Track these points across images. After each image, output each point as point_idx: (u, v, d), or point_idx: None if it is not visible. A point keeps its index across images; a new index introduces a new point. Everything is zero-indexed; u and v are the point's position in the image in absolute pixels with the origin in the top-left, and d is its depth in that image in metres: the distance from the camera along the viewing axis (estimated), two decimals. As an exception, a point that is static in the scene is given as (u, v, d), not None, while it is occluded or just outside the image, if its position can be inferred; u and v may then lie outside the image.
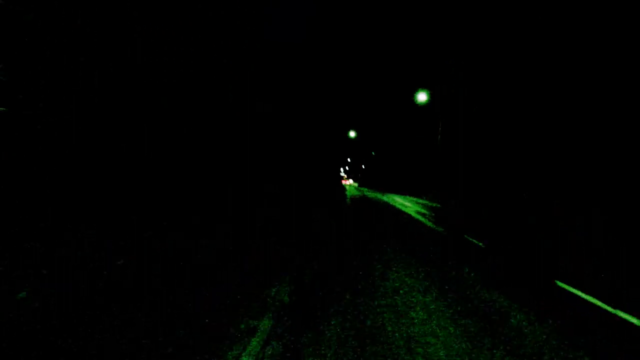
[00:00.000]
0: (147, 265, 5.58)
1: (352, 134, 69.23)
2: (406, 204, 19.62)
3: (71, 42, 7.08)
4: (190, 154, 11.68)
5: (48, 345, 2.88)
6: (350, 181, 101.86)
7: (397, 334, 3.18)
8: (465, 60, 24.70)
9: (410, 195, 31.89)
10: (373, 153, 65.38)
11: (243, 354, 2.97)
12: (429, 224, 11.19)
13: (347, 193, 29.68)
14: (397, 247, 6.97)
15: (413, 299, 3.80)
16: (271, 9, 17.89)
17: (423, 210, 15.72)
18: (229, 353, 2.98)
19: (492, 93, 21.35)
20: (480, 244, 7.73)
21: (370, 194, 32.81)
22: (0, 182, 5.93)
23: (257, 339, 3.20)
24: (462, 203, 21.82)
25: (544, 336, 3.24)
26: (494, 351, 2.97)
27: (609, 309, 4.04)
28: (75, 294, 4.11)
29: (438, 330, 3.23)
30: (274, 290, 4.02)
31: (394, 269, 5.07)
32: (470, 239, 8.37)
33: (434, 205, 20.23)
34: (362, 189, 48.94)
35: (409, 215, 13.49)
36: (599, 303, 4.13)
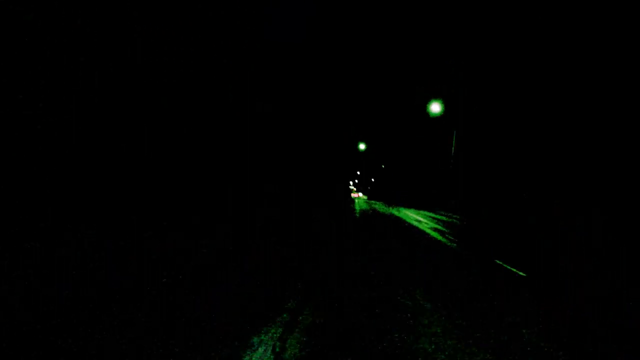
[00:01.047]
0: (147, 265, 5.58)
1: (361, 146, 68.23)
2: (419, 219, 17.55)
3: (71, 42, 7.08)
4: (190, 154, 11.69)
5: (48, 345, 2.88)
6: (360, 194, 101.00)
7: None
8: (466, 61, 24.70)
9: (422, 209, 30.20)
10: (383, 166, 64.81)
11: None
12: (450, 243, 9.71)
13: (356, 207, 28.27)
14: (419, 280, 5.48)
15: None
16: (271, 9, 17.90)
17: (439, 227, 13.96)
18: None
19: (493, 93, 21.35)
20: (521, 272, 6.35)
21: (381, 207, 31.05)
22: (0, 182, 5.92)
23: None
24: (483, 217, 20.55)
25: None
26: None
27: None
28: (75, 294, 4.11)
29: None
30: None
31: (424, 325, 3.64)
32: (504, 265, 6.97)
33: (449, 220, 18.07)
34: (371, 202, 47.68)
35: (425, 233, 11.68)
36: None
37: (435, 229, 13.17)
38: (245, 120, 15.76)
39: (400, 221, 16.14)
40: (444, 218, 19.16)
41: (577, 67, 14.59)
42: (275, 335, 3.36)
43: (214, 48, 12.99)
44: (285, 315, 3.89)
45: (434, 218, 18.96)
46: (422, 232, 12.04)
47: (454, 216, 21.08)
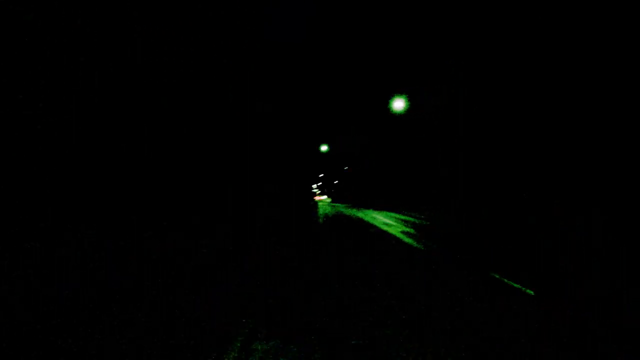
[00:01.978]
0: (147, 265, 5.58)
1: (323, 147, 66.50)
2: (388, 222, 15.88)
3: (71, 42, 7.08)
4: (190, 154, 11.69)
5: (48, 345, 2.88)
6: (324, 197, 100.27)
7: None
8: (465, 60, 24.71)
9: (388, 210, 28.83)
10: (346, 168, 63.76)
11: None
12: (425, 249, 8.09)
13: (320, 210, 26.22)
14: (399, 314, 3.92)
15: None
16: (271, 9, 17.90)
17: (410, 230, 12.27)
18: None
19: (492, 93, 21.36)
20: (528, 291, 4.82)
21: (346, 210, 28.94)
22: (0, 182, 5.93)
23: None
24: (470, 218, 19.14)
25: None
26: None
27: None
28: (75, 294, 4.11)
29: None
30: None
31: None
32: (503, 280, 5.33)
33: (420, 222, 16.82)
34: (335, 204, 46.25)
35: (398, 239, 9.74)
36: None
37: (406, 233, 11.46)
38: (245, 120, 15.76)
39: (369, 226, 13.89)
40: (411, 219, 18.09)
41: (577, 67, 14.59)
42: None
43: (214, 48, 13.00)
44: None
45: (401, 220, 17.63)
46: (395, 238, 10.09)
47: (421, 216, 19.89)
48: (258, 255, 6.84)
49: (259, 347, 3.08)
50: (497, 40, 20.77)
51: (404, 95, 27.98)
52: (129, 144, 8.92)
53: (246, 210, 15.51)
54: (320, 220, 15.10)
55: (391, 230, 11.06)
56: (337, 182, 76.00)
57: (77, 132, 7.43)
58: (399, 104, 27.42)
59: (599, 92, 13.43)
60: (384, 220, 16.72)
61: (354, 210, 28.29)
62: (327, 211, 25.27)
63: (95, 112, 7.87)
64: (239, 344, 3.11)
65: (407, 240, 9.46)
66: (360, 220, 16.60)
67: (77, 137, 7.43)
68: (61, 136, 7.06)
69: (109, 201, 8.19)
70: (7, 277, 4.53)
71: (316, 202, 52.93)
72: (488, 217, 19.58)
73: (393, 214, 22.56)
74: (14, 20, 5.93)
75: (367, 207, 34.45)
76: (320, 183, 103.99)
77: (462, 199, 24.44)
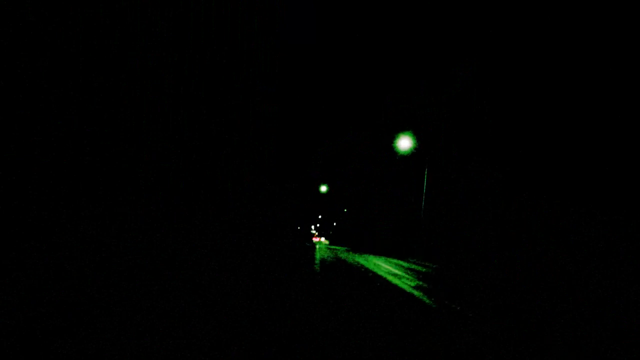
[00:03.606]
0: (147, 265, 5.58)
1: (323, 188, 64.42)
2: (394, 271, 13.26)
3: (71, 42, 7.09)
4: (191, 154, 11.69)
5: (48, 346, 2.88)
6: (322, 239, 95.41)
7: None
8: (467, 61, 24.72)
9: (390, 256, 27.09)
10: (345, 210, 61.94)
11: None
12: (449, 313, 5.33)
13: (317, 254, 22.28)
14: None
15: None
16: (281, 11, 17.88)
17: (421, 283, 9.99)
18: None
19: (494, 94, 21.38)
20: None
21: (345, 255, 25.83)
22: (0, 182, 5.93)
23: None
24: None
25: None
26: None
27: None
28: (75, 293, 4.11)
29: None
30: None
31: None
32: None
33: (427, 270, 15.15)
34: (333, 247, 44.45)
35: (408, 295, 7.12)
36: None
37: (420, 288, 8.07)
38: (245, 120, 15.77)
39: (373, 276, 8.37)
40: (418, 268, 15.27)
41: (577, 66, 14.59)
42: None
43: (215, 48, 13.00)
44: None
45: (407, 269, 14.05)
46: (406, 294, 7.35)
47: (426, 264, 18.29)
48: (258, 255, 6.85)
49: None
50: (499, 42, 20.79)
51: (409, 133, 25.98)
52: (129, 143, 8.93)
53: (246, 211, 15.50)
54: (317, 268, 11.84)
55: (401, 284, 8.67)
56: (335, 224, 73.00)
57: (77, 132, 7.43)
58: (403, 144, 24.63)
59: (599, 93, 13.44)
60: (388, 268, 13.88)
61: (355, 255, 25.06)
62: (324, 255, 20.26)
63: (96, 112, 7.88)
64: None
65: (425, 300, 6.19)
66: (363, 268, 13.33)
67: (77, 137, 7.44)
68: (61, 135, 7.06)
69: (108, 201, 8.20)
70: (7, 277, 4.54)
71: (314, 244, 49.55)
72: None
73: (395, 261, 20.08)
74: (14, 20, 5.94)
75: (366, 252, 31.99)
76: (319, 225, 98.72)
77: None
